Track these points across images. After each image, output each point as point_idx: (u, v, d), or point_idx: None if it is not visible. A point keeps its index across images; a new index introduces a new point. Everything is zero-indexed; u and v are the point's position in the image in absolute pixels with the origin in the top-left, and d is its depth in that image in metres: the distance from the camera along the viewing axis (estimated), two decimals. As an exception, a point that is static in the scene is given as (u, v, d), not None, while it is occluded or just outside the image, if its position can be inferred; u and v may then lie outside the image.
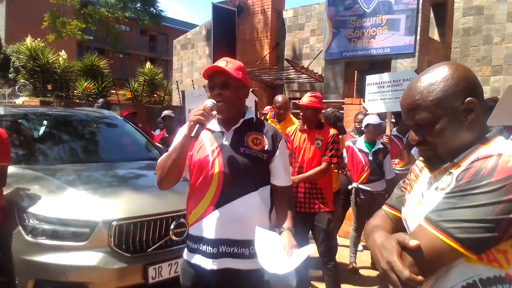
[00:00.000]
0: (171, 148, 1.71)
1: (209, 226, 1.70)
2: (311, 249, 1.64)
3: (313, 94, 3.48)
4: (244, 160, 1.72)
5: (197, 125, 1.58)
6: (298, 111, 7.71)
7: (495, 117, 2.26)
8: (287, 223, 1.77)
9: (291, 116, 5.24)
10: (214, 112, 1.67)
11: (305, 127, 3.49)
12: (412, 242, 0.92)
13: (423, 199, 1.11)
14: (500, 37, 8.32)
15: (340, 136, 3.81)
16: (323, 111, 4.45)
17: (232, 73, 1.69)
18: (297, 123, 5.09)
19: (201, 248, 1.72)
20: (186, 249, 1.82)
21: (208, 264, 1.69)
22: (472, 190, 0.91)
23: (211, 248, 1.69)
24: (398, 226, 1.24)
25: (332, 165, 3.47)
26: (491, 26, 8.50)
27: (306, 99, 3.43)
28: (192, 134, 1.58)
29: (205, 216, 1.71)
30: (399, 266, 0.91)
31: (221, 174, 1.70)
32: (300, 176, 3.33)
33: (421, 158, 1.23)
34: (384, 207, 1.33)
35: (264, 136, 1.80)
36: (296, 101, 3.72)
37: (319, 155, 3.38)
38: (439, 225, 0.92)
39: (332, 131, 3.47)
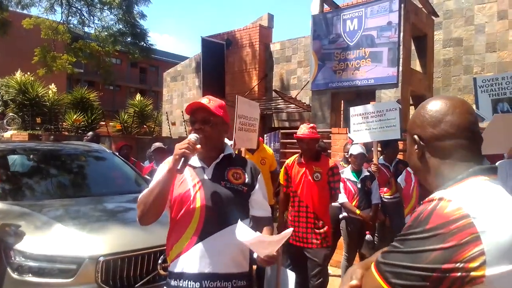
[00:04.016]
0: (152, 184, 1.71)
1: (191, 260, 1.69)
2: (290, 232, 1.61)
3: (310, 125, 3.43)
4: (225, 193, 1.76)
5: (182, 159, 1.61)
6: (287, 140, 7.76)
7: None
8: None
9: (264, 145, 5.25)
10: (198, 146, 1.69)
11: (302, 160, 3.41)
12: (352, 283, 0.99)
13: None
14: (480, 67, 8.62)
15: None
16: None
17: (214, 110, 1.77)
18: (271, 151, 5.11)
19: (182, 284, 1.69)
20: None
21: None
22: (410, 235, 0.89)
23: (193, 283, 1.67)
24: None
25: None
26: (470, 56, 8.82)
27: (305, 130, 3.35)
28: (178, 167, 1.60)
29: (187, 250, 1.70)
30: None
31: (203, 208, 1.72)
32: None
33: None
34: None
35: (243, 170, 1.86)
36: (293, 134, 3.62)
37: (318, 189, 3.32)
38: (379, 267, 0.92)
39: (331, 163, 3.43)
